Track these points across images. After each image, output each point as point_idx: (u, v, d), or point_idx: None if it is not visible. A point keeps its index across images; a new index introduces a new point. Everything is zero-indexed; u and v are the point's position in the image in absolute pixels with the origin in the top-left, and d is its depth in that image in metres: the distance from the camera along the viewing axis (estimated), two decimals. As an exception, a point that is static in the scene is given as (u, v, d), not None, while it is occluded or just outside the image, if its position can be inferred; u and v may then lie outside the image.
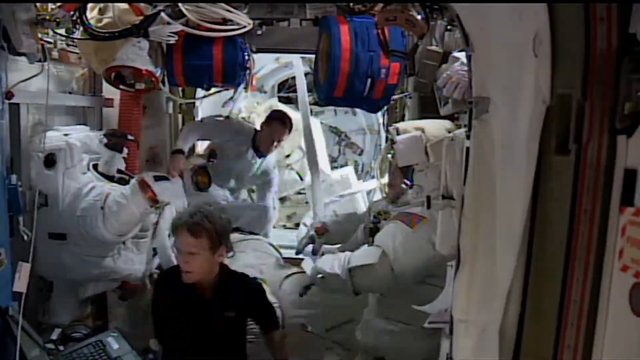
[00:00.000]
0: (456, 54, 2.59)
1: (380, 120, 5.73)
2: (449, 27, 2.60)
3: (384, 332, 2.83)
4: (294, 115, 4.67)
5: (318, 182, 4.49)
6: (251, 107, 5.98)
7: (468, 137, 1.79)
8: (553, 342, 1.27)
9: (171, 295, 2.46)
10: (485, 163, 1.57)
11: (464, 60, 2.24)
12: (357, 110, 6.27)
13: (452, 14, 1.99)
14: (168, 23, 2.57)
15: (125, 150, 3.18)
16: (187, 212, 2.45)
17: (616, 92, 1.10)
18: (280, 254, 3.80)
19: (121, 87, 2.84)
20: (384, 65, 2.63)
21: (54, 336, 2.62)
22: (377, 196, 5.17)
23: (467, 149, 1.77)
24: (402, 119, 4.26)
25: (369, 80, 2.65)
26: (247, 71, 3.16)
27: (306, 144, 4.60)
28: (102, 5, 2.67)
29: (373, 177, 5.69)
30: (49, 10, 2.38)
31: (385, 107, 4.54)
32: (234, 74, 3.00)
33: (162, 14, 2.53)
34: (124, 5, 2.64)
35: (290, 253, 3.78)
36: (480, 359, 1.57)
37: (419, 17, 2.58)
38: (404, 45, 2.66)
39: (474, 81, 1.74)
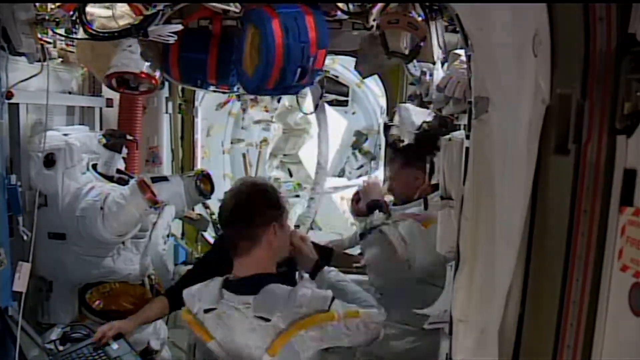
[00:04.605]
0: (457, 51, 2.59)
1: (380, 121, 5.74)
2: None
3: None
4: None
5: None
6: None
7: (467, 137, 1.79)
8: (553, 342, 1.27)
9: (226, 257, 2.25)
10: (485, 163, 1.57)
11: (464, 57, 2.25)
12: (357, 110, 6.28)
13: (452, 14, 1.99)
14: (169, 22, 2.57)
15: (125, 150, 3.19)
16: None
17: (616, 92, 1.10)
18: None
19: (126, 91, 2.84)
20: (312, 54, 2.59)
21: (53, 336, 2.62)
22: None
23: (467, 149, 1.77)
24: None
25: (299, 69, 2.58)
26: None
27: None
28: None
29: (377, 170, 5.72)
30: (49, 10, 2.38)
31: (386, 110, 4.55)
32: (228, 72, 2.96)
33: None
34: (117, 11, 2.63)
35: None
36: (479, 359, 1.57)
37: (419, 19, 2.59)
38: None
39: (473, 81, 1.74)
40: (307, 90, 4.00)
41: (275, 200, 1.99)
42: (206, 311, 1.94)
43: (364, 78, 4.25)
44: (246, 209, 1.92)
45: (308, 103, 4.18)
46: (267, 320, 1.82)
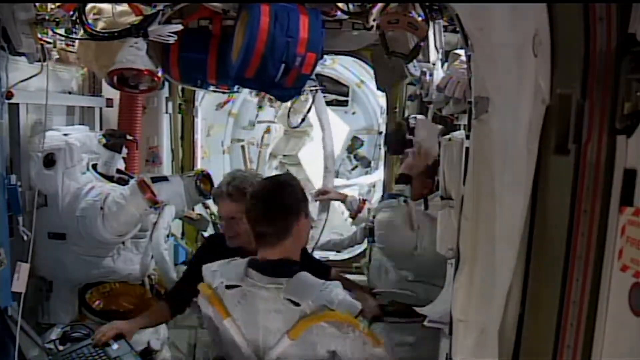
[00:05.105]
0: (457, 51, 2.59)
1: (380, 121, 5.75)
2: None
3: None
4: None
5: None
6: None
7: (467, 137, 1.79)
8: (553, 342, 1.27)
9: (214, 258, 2.27)
10: (485, 163, 1.57)
11: (464, 58, 2.25)
12: (357, 110, 6.28)
13: (452, 14, 1.99)
14: (169, 22, 2.57)
15: (125, 150, 3.19)
16: (225, 180, 2.51)
17: (616, 92, 1.10)
18: None
19: (125, 89, 2.84)
20: (299, 53, 2.54)
21: (53, 336, 2.62)
22: (378, 195, 5.20)
23: (467, 149, 1.77)
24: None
25: (283, 65, 2.54)
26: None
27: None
28: (96, 8, 2.65)
29: (377, 169, 5.75)
30: (49, 10, 2.38)
31: (386, 110, 4.54)
32: (228, 72, 2.95)
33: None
34: (120, 8, 2.64)
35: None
36: (479, 359, 1.57)
37: (419, 19, 2.59)
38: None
39: (473, 81, 1.74)
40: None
41: (302, 192, 2.04)
42: (228, 287, 1.94)
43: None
44: (280, 203, 1.95)
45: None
46: (297, 304, 1.83)
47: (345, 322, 1.81)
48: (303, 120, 3.91)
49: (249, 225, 2.00)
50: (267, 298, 1.88)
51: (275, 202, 1.95)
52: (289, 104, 5.86)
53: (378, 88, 3.35)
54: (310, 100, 3.61)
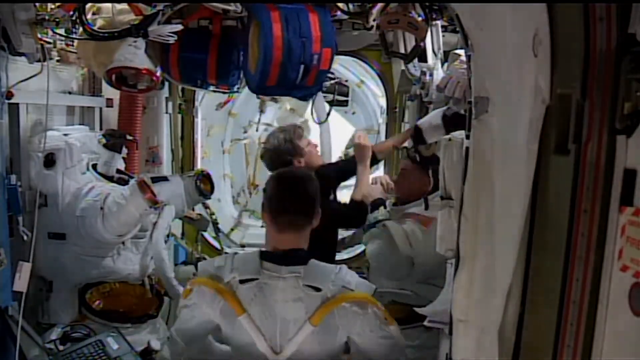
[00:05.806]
0: (457, 51, 2.59)
1: (380, 121, 5.74)
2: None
3: None
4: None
5: None
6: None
7: (467, 137, 1.79)
8: (553, 341, 1.27)
9: None
10: (485, 163, 1.57)
11: (464, 58, 2.25)
12: (357, 110, 6.28)
13: (452, 13, 1.99)
14: (169, 22, 2.57)
15: (125, 150, 3.19)
16: None
17: (616, 92, 1.10)
18: None
19: (123, 88, 2.84)
20: (315, 51, 2.57)
21: (53, 336, 2.62)
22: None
23: (467, 149, 1.77)
24: (402, 121, 4.27)
25: (302, 67, 2.57)
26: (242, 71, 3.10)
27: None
28: (96, 7, 2.65)
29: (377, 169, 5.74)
30: (49, 10, 2.38)
31: (386, 110, 4.54)
32: (228, 72, 2.96)
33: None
34: (119, 6, 2.63)
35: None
36: (479, 359, 1.57)
37: (419, 19, 2.59)
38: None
39: (473, 81, 1.74)
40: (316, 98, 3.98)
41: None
42: (243, 282, 1.92)
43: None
44: (309, 191, 2.01)
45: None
46: (318, 290, 1.87)
47: (365, 301, 1.88)
48: (328, 114, 3.94)
49: (270, 214, 2.00)
50: (284, 288, 1.89)
51: (306, 190, 2.00)
52: (287, 106, 5.86)
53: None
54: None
